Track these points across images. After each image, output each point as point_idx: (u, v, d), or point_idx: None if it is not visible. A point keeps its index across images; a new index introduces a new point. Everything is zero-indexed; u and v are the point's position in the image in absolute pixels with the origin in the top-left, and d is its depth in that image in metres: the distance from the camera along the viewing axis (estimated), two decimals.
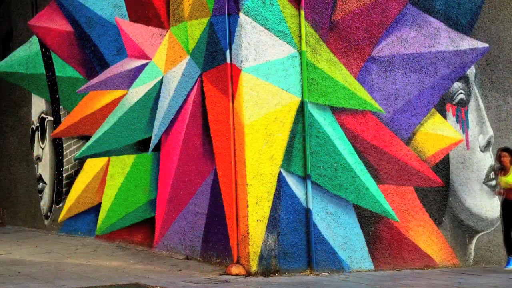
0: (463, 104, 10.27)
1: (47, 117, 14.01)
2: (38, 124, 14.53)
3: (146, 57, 10.58)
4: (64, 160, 13.23)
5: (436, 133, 9.88)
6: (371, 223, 9.14)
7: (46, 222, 14.04)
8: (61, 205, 13.25)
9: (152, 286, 7.37)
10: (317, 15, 8.98)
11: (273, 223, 8.41)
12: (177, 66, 9.78)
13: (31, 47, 14.52)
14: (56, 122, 13.51)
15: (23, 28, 15.07)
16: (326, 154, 8.85)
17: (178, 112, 9.76)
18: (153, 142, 10.40)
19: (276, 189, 8.48)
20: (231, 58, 8.62)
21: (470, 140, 10.27)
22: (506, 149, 9.77)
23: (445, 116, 10.03)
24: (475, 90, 10.44)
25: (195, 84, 9.37)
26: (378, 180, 9.26)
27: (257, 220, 8.32)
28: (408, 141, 9.62)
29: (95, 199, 11.95)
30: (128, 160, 11.06)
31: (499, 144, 10.56)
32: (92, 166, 12.08)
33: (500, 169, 9.74)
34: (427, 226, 9.64)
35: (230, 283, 7.65)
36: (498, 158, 9.75)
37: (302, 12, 8.79)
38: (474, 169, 10.24)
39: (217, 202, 8.87)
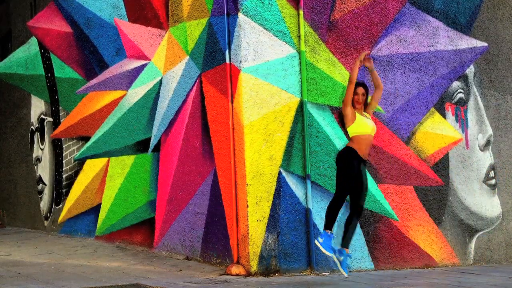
0: (462, 103, 10.27)
1: (46, 118, 14.00)
2: (37, 125, 14.52)
3: (145, 58, 10.58)
4: (63, 161, 13.22)
5: (436, 132, 9.89)
6: (371, 222, 9.15)
7: (46, 223, 14.03)
8: (60, 206, 13.24)
9: (152, 286, 7.36)
10: (316, 15, 8.98)
11: (273, 223, 8.41)
12: (176, 66, 9.78)
13: (30, 48, 14.51)
14: (56, 123, 13.51)
15: (22, 29, 15.06)
16: (325, 154, 8.85)
17: (178, 112, 9.76)
18: (153, 142, 10.40)
19: (276, 189, 8.48)
20: (230, 58, 8.62)
21: (469, 139, 10.27)
22: (362, 84, 7.77)
23: (444, 115, 10.03)
24: (474, 89, 10.44)
25: (194, 84, 9.37)
26: (377, 179, 9.26)
27: (257, 220, 8.31)
28: (407, 141, 9.62)
29: (95, 200, 11.95)
30: (128, 160, 11.05)
31: (498, 143, 10.57)
32: (92, 167, 12.08)
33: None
34: (427, 225, 9.64)
35: (230, 283, 7.65)
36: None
37: (301, 12, 8.79)
38: (474, 168, 10.24)
39: (217, 202, 8.87)
